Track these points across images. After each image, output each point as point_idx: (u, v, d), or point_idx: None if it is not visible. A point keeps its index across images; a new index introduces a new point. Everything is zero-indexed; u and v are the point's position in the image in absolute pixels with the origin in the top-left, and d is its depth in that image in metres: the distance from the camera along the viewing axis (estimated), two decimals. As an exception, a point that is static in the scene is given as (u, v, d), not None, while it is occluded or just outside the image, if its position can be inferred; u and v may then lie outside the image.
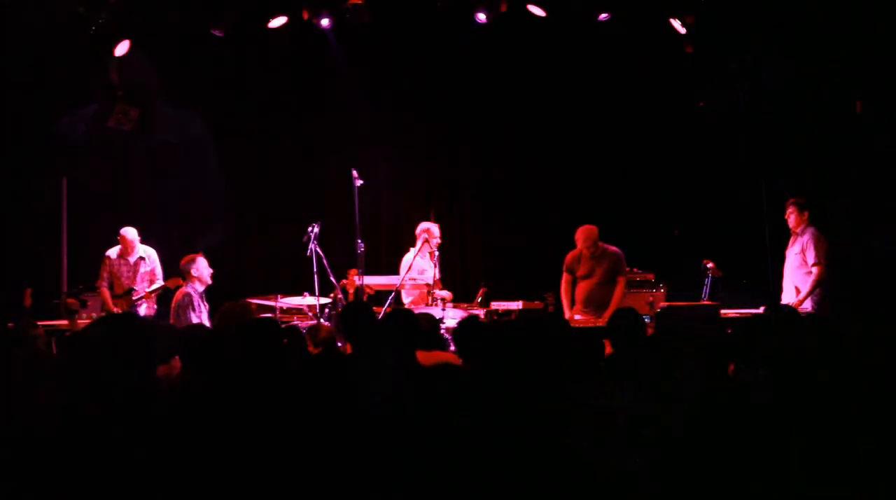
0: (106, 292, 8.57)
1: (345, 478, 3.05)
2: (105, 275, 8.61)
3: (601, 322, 7.41)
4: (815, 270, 7.56)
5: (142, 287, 8.56)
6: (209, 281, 7.67)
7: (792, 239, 7.83)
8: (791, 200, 7.82)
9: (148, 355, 3.25)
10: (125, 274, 8.60)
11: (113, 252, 8.65)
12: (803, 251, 7.66)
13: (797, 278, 7.71)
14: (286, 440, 3.17)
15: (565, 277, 8.23)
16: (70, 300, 8.03)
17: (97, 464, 2.84)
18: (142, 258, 8.63)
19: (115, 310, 8.40)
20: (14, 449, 2.87)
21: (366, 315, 4.53)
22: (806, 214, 7.73)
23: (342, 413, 3.31)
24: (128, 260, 8.61)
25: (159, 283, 8.58)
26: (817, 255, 7.56)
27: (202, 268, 7.68)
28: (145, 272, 8.64)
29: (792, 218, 7.79)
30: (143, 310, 8.46)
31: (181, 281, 8.10)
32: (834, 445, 3.12)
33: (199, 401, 3.45)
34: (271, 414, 3.30)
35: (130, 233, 8.62)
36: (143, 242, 8.78)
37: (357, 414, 3.30)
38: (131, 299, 8.42)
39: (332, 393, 3.50)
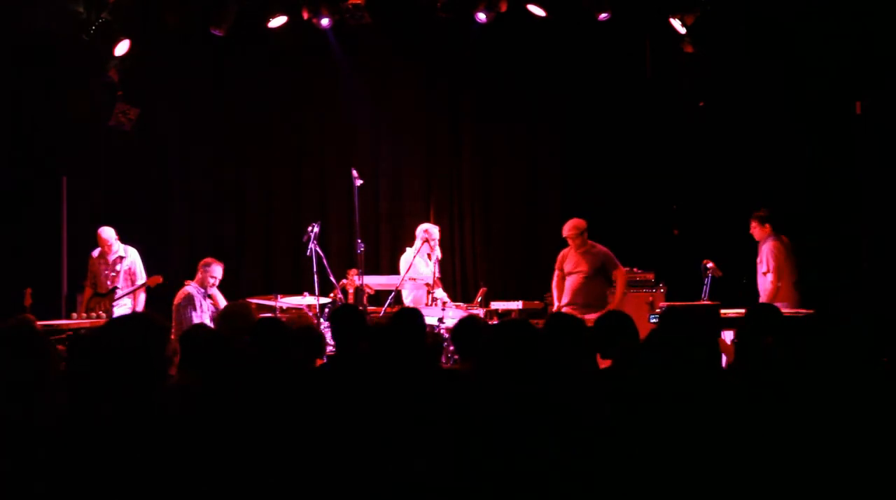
0: (87, 292, 8.54)
1: (351, 480, 3.04)
2: (89, 275, 8.57)
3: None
4: (768, 277, 7.85)
5: (124, 284, 8.51)
6: (208, 290, 7.79)
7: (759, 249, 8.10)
8: (753, 214, 8.09)
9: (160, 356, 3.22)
10: (104, 272, 8.48)
11: (96, 252, 8.60)
12: (762, 261, 7.95)
13: (762, 287, 8.00)
14: (290, 442, 3.16)
15: (556, 273, 8.15)
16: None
17: (98, 464, 2.83)
18: (120, 257, 8.50)
19: (94, 313, 8.26)
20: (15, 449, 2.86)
21: (357, 319, 4.48)
22: (768, 226, 8.01)
23: (351, 415, 3.29)
24: (107, 259, 8.51)
25: (140, 281, 8.56)
26: (768, 262, 7.85)
27: (213, 275, 7.80)
28: (125, 271, 8.54)
29: (756, 231, 8.09)
30: (120, 310, 8.20)
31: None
32: (829, 445, 3.11)
33: (199, 402, 3.43)
34: (277, 416, 3.28)
35: (105, 233, 8.48)
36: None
37: (366, 416, 3.28)
38: (113, 298, 8.34)
39: (340, 395, 3.49)
